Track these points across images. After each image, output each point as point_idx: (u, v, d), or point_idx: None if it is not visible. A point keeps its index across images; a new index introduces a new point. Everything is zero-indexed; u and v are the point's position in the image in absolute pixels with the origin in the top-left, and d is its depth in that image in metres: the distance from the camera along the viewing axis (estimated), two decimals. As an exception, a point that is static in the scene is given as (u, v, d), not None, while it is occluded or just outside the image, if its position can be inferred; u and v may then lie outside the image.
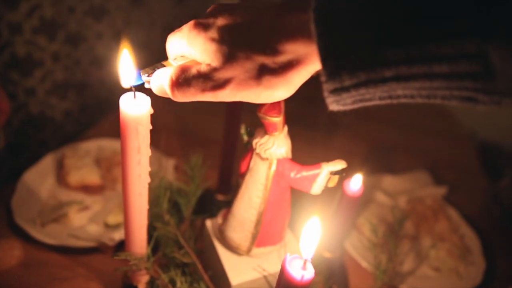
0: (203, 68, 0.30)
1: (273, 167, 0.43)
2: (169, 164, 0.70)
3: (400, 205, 0.73)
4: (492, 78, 0.22)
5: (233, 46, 0.29)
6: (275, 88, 0.29)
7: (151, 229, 0.49)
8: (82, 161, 0.65)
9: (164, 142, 0.73)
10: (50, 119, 1.00)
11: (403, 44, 0.22)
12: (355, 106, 0.28)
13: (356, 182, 0.53)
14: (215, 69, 0.30)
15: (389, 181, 0.77)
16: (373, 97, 0.26)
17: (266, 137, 0.42)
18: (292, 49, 0.27)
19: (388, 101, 0.27)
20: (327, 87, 0.26)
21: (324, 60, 0.25)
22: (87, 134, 0.79)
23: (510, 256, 0.71)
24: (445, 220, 0.71)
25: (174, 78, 0.32)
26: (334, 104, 0.28)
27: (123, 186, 0.40)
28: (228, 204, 0.50)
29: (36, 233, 0.55)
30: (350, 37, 0.24)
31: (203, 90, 0.31)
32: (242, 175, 0.47)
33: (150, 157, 0.37)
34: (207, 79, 0.30)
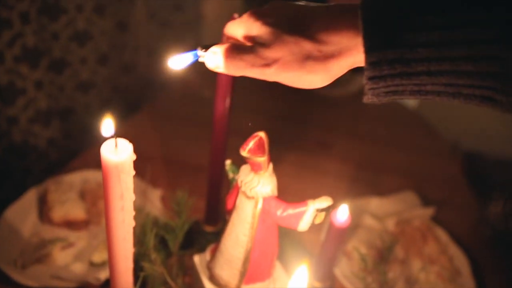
0: (256, 46, 0.34)
1: (259, 206, 0.43)
2: (155, 195, 0.69)
3: (388, 228, 0.73)
4: (510, 77, 0.26)
5: (285, 31, 0.33)
6: (315, 73, 0.32)
7: (137, 268, 0.48)
8: (66, 195, 0.64)
9: (150, 171, 0.72)
10: (33, 147, 0.99)
11: (435, 45, 0.27)
12: (387, 98, 0.31)
13: (343, 213, 0.53)
14: (265, 49, 0.33)
15: (377, 204, 0.77)
16: (405, 90, 0.30)
17: (251, 175, 0.42)
18: (337, 41, 0.31)
19: (417, 96, 0.30)
20: (367, 74, 0.30)
21: (368, 51, 0.29)
22: (71, 165, 0.77)
23: (500, 276, 0.71)
24: (434, 242, 0.72)
25: (229, 51, 0.35)
26: (370, 93, 0.31)
27: (107, 231, 0.39)
28: (217, 236, 0.49)
29: (18, 276, 0.53)
30: (391, 35, 0.28)
31: (253, 65, 0.34)
32: (229, 212, 0.47)
33: (135, 189, 0.36)
34: (257, 56, 0.34)
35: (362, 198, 0.78)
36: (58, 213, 0.62)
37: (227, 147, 0.57)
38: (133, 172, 0.36)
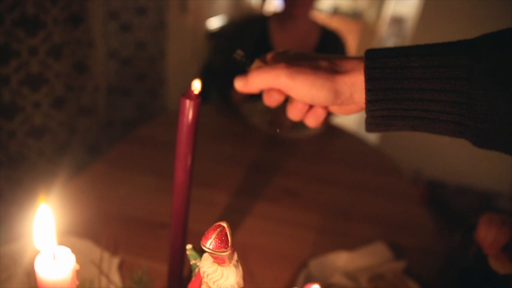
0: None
1: (224, 299, 0.39)
2: (113, 264, 0.63)
3: (362, 285, 0.71)
4: (473, 106, 0.32)
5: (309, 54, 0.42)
6: (324, 81, 0.38)
7: None
8: (7, 272, 0.56)
9: (106, 236, 0.67)
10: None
11: (416, 79, 0.34)
12: (384, 123, 0.37)
13: (315, 291, 0.49)
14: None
15: (347, 259, 0.75)
16: (397, 114, 0.36)
17: (215, 267, 0.38)
18: (345, 65, 0.39)
19: (407, 122, 0.36)
20: (367, 97, 0.36)
21: (367, 81, 0.36)
22: (16, 231, 0.70)
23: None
24: (407, 297, 0.70)
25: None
26: (369, 115, 0.38)
27: None
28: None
29: None
30: (385, 71, 0.35)
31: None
32: (191, 301, 0.42)
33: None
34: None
35: (331, 253, 0.75)
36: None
37: (192, 201, 0.53)
38: (77, 283, 0.32)
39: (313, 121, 0.44)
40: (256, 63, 0.43)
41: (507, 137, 0.32)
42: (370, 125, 0.38)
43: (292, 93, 0.40)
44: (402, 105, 0.35)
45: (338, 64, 0.39)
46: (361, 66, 0.37)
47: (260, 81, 0.41)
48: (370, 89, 0.36)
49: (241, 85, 0.42)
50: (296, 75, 0.39)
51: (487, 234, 0.55)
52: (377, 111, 0.37)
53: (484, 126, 0.32)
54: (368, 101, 0.37)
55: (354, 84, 0.38)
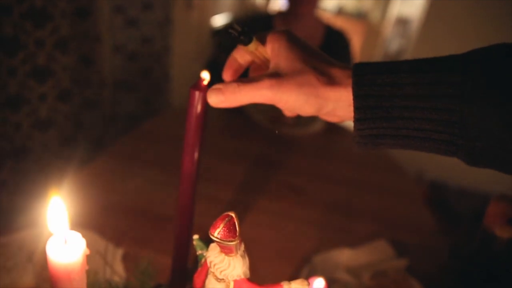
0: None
1: (230, 289, 0.39)
2: (116, 256, 0.64)
3: (364, 282, 0.71)
4: (466, 125, 0.31)
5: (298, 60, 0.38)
6: (304, 100, 0.37)
7: None
8: (13, 260, 0.57)
9: (111, 225, 0.67)
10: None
11: (407, 97, 0.33)
12: (373, 142, 0.36)
13: (319, 285, 0.50)
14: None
15: (350, 256, 0.75)
16: (386, 133, 0.34)
17: (222, 256, 0.39)
18: (331, 74, 0.37)
19: (397, 141, 0.35)
20: (355, 116, 0.35)
21: (355, 98, 0.34)
22: (22, 219, 0.70)
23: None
24: (409, 294, 0.70)
25: (232, 86, 0.39)
26: (357, 134, 0.36)
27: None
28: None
29: None
30: (373, 88, 0.34)
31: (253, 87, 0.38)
32: (197, 291, 0.43)
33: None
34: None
35: (334, 250, 0.75)
36: (3, 283, 0.55)
37: (197, 196, 0.53)
38: (87, 267, 0.32)
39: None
40: (254, 43, 0.40)
41: (501, 155, 0.31)
42: (358, 143, 0.37)
43: (277, 105, 0.39)
44: (392, 124, 0.34)
45: (325, 73, 0.37)
46: (348, 81, 0.36)
47: (242, 97, 0.38)
48: (358, 107, 0.35)
49: (217, 101, 0.39)
50: (280, 91, 0.37)
51: (497, 207, 0.65)
52: (366, 129, 0.35)
53: (477, 144, 0.31)
54: (356, 120, 0.35)
55: (339, 100, 0.37)
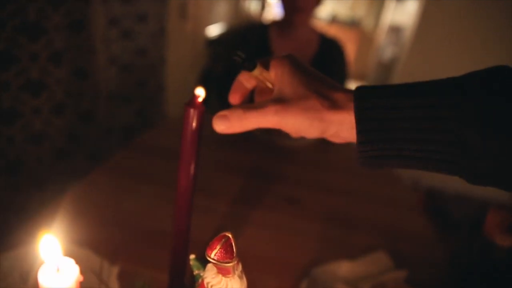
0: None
1: (228, 310, 0.38)
2: (112, 274, 0.63)
3: (363, 295, 0.70)
4: (467, 145, 0.32)
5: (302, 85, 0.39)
6: (309, 125, 0.38)
7: None
8: (5, 282, 0.56)
9: (106, 244, 0.66)
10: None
11: (407, 119, 0.34)
12: (377, 163, 0.36)
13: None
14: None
15: (348, 268, 0.75)
16: (388, 154, 0.35)
17: (219, 278, 0.38)
18: (333, 97, 0.38)
19: (400, 161, 0.35)
20: (358, 139, 0.36)
21: (358, 122, 0.35)
22: (15, 238, 0.69)
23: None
24: (409, 306, 0.69)
25: (238, 113, 0.39)
26: (361, 156, 0.36)
27: None
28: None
29: None
30: (375, 111, 0.35)
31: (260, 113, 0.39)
32: (194, 311, 0.42)
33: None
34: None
35: (333, 262, 0.75)
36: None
37: (193, 209, 0.53)
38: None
39: None
40: (258, 69, 0.41)
41: (503, 175, 0.32)
42: (363, 164, 0.38)
43: (283, 129, 0.40)
44: (395, 145, 0.35)
45: (328, 97, 0.38)
46: (350, 105, 0.37)
47: (248, 123, 0.39)
48: (361, 131, 0.36)
49: (224, 128, 0.39)
50: (286, 117, 0.38)
51: (496, 216, 0.66)
52: (369, 151, 0.36)
53: (479, 164, 0.32)
54: (359, 143, 0.36)
55: (342, 123, 0.38)
